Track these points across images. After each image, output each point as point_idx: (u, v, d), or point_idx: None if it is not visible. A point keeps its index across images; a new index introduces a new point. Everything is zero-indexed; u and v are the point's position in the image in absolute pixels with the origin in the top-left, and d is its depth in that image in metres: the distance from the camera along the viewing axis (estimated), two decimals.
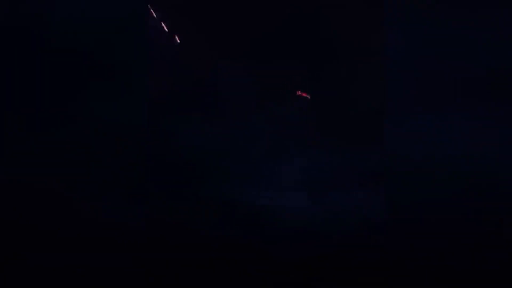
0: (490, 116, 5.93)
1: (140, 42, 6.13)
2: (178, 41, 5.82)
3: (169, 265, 5.98)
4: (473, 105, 5.98)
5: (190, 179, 6.32)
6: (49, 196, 5.96)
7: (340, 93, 6.51)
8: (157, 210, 6.11)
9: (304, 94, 6.11)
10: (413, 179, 5.96)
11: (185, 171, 6.33)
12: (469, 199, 5.86)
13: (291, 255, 6.15)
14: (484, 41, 5.95)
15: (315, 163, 6.43)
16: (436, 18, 5.98)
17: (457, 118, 5.98)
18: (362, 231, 6.14)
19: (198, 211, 6.23)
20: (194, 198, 6.27)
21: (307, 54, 6.53)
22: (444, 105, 6.00)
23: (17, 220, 5.91)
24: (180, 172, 6.31)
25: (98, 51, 6.12)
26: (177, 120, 6.39)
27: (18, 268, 5.83)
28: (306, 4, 6.50)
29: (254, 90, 6.49)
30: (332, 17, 6.46)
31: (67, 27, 6.10)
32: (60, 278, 5.85)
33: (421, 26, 6.02)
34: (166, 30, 5.97)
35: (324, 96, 6.52)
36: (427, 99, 6.02)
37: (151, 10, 6.32)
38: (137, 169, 6.03)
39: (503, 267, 5.75)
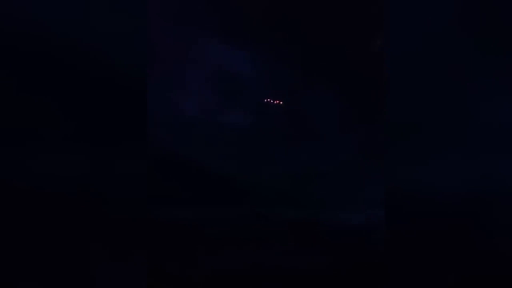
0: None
1: (142, 44, 6.10)
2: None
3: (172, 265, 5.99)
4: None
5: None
6: (49, 197, 5.92)
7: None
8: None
9: None
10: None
11: None
12: (469, 199, 5.95)
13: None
14: None
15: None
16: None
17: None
18: (362, 231, 6.21)
19: None
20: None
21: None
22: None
23: (17, 220, 5.86)
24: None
25: (98, 51, 6.09)
26: None
27: (18, 268, 5.79)
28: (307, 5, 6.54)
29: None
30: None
31: (67, 27, 6.06)
32: (60, 278, 5.82)
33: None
34: None
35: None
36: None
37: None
38: (138, 171, 6.01)
39: (503, 269, 5.87)
